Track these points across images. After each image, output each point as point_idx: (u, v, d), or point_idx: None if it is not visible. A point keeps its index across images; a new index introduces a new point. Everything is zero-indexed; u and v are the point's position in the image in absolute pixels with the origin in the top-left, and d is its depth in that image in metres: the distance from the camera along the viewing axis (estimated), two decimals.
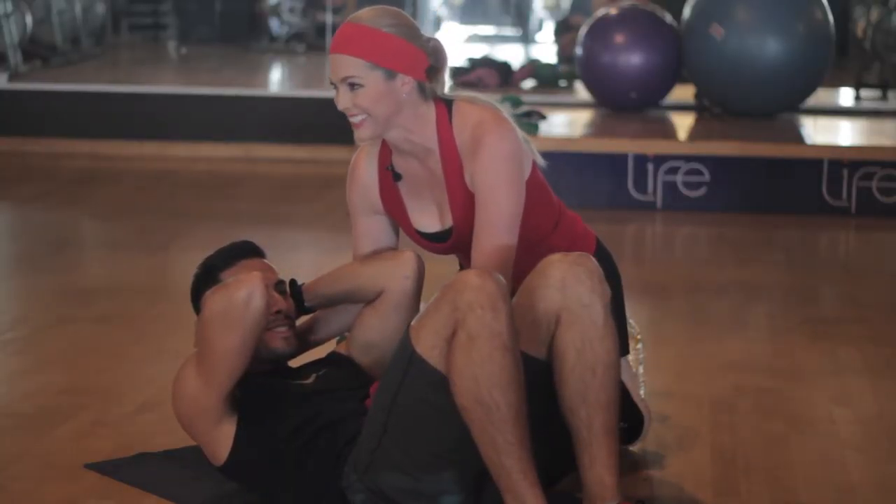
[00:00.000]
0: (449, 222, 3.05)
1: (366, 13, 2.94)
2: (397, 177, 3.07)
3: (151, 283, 5.14)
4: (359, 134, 2.96)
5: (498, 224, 2.92)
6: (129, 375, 3.95)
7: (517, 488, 2.62)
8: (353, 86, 2.91)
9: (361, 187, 3.13)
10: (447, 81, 3.05)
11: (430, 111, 2.99)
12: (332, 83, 2.96)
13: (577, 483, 2.78)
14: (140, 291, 4.97)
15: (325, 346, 3.24)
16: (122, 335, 4.39)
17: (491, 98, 3.06)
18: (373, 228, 3.15)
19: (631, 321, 3.41)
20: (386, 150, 3.09)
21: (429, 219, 3.09)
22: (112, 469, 3.18)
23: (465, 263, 3.20)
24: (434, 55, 2.99)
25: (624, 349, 3.29)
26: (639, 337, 3.44)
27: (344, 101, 2.92)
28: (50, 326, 4.51)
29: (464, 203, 3.00)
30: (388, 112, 2.93)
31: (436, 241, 3.11)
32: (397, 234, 3.18)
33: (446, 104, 3.01)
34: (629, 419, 3.18)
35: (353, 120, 2.95)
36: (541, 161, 3.09)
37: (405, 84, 2.93)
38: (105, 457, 3.25)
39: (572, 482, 2.88)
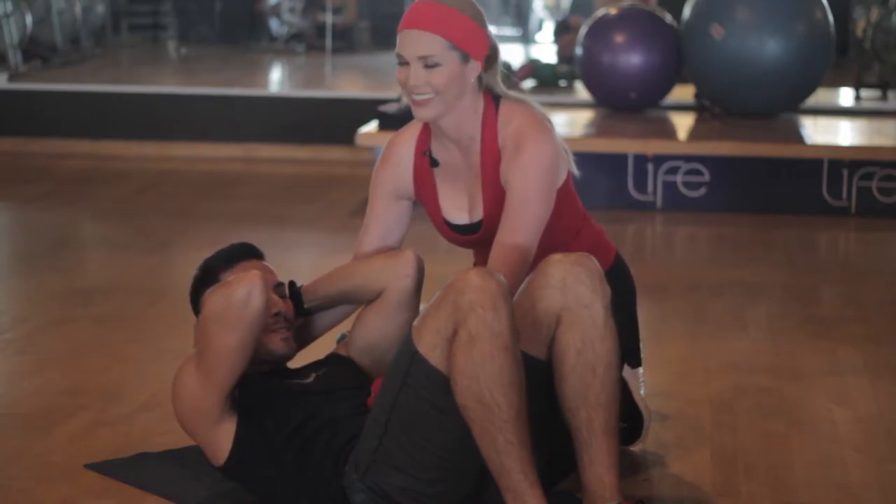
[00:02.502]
0: (479, 216, 3.08)
1: None
2: (434, 163, 3.10)
3: (151, 283, 5.13)
4: (421, 113, 2.98)
5: (522, 228, 2.94)
6: (129, 375, 3.95)
7: (517, 488, 2.62)
8: (429, 64, 2.92)
9: (395, 167, 3.14)
10: (500, 72, 3.07)
11: (480, 101, 3.03)
12: (400, 60, 2.96)
13: (577, 483, 2.78)
14: (140, 291, 4.97)
15: (325, 346, 3.25)
16: (121, 335, 4.39)
17: (537, 102, 3.09)
18: (389, 214, 3.15)
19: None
20: (425, 136, 3.12)
21: (458, 209, 3.11)
22: (112, 469, 3.18)
23: (480, 258, 3.20)
24: (493, 43, 3.03)
25: (636, 361, 3.29)
26: (640, 337, 3.43)
27: (417, 78, 2.93)
28: (50, 326, 4.50)
29: (495, 198, 3.03)
30: (455, 95, 2.97)
31: (463, 234, 3.12)
32: (404, 231, 3.19)
33: (494, 98, 3.05)
34: (629, 419, 3.17)
35: (419, 98, 2.95)
36: (575, 171, 3.13)
37: (474, 70, 2.98)
38: (105, 457, 3.25)
39: (572, 482, 2.88)
